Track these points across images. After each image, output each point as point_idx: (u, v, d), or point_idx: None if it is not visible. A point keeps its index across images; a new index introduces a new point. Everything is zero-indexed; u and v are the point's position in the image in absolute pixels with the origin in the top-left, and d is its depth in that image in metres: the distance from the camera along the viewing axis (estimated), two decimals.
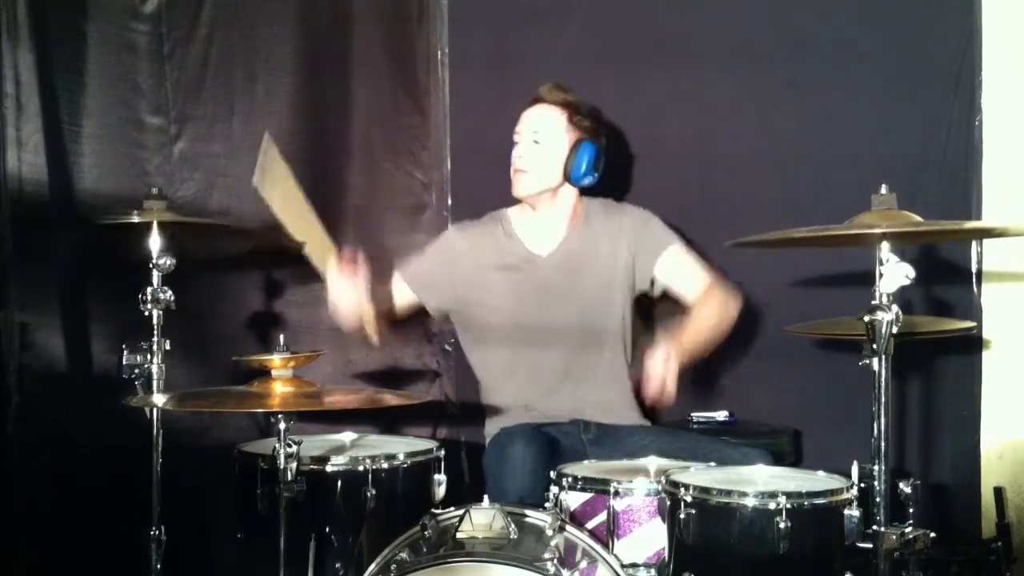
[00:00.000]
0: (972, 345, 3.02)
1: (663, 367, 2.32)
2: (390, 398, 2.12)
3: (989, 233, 2.26)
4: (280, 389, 1.98)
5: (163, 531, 2.20)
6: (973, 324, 2.74)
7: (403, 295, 2.73)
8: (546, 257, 2.73)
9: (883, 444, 1.83)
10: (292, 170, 2.97)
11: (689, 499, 1.99)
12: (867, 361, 1.85)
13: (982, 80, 3.02)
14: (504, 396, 2.72)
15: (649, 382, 2.33)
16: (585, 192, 2.75)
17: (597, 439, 2.62)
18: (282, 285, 2.98)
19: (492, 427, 2.73)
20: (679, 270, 2.69)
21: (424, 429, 3.03)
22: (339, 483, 2.19)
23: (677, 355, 2.34)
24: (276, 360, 2.00)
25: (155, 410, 2.19)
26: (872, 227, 1.83)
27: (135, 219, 2.22)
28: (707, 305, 2.59)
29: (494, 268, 2.71)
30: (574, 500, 2.17)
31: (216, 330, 2.87)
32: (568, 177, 2.66)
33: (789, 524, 1.90)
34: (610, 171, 2.76)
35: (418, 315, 3.15)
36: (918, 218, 1.90)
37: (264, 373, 2.02)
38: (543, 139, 2.66)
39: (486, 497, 1.97)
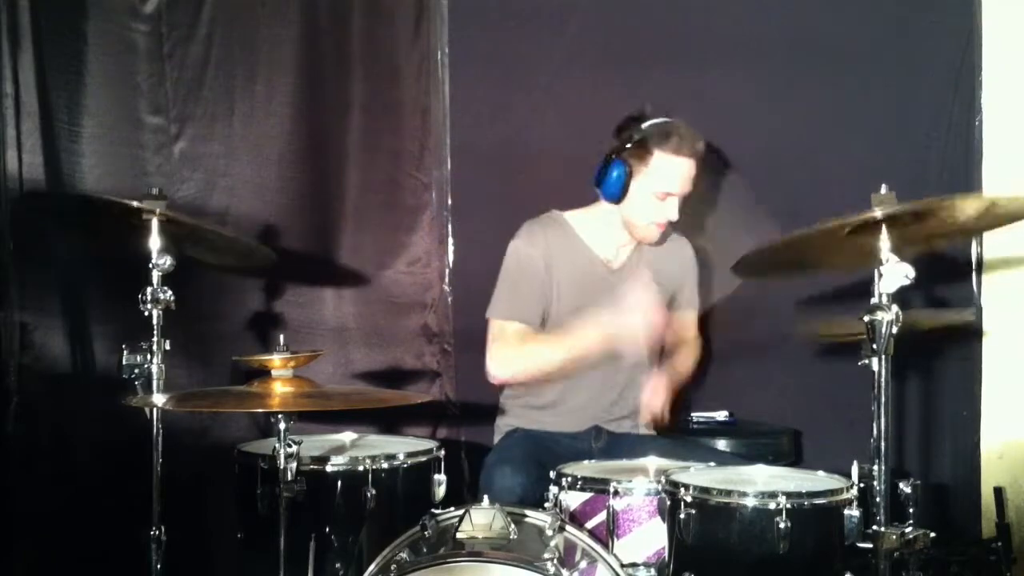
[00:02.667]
0: (972, 345, 3.02)
1: (659, 398, 2.62)
2: (390, 398, 2.12)
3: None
4: (280, 389, 1.97)
5: (163, 531, 2.19)
6: (971, 317, 2.74)
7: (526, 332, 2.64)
8: (617, 269, 2.72)
9: (883, 444, 1.83)
10: (292, 170, 3.01)
11: (689, 499, 1.99)
12: (866, 361, 1.85)
13: (982, 80, 3.03)
14: (527, 398, 2.72)
15: (649, 409, 2.62)
16: None
17: (607, 448, 2.63)
18: (282, 285, 2.98)
19: (502, 423, 2.74)
20: (681, 326, 2.82)
21: (424, 429, 3.03)
22: (339, 483, 2.19)
23: (666, 386, 2.65)
24: (276, 360, 2.00)
25: (155, 410, 2.19)
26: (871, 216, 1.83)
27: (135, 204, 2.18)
28: (686, 356, 2.81)
29: (567, 271, 2.66)
30: (574, 500, 2.18)
31: (216, 330, 2.86)
32: None
33: (789, 524, 1.90)
34: None
35: (420, 313, 3.18)
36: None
37: (264, 373, 2.02)
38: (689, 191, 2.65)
39: (486, 497, 1.97)
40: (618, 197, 2.61)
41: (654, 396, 2.63)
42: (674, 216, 2.61)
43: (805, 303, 2.90)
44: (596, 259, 2.70)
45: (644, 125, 2.58)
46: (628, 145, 2.58)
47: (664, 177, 2.58)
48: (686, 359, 2.80)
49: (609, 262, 2.71)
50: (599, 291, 2.63)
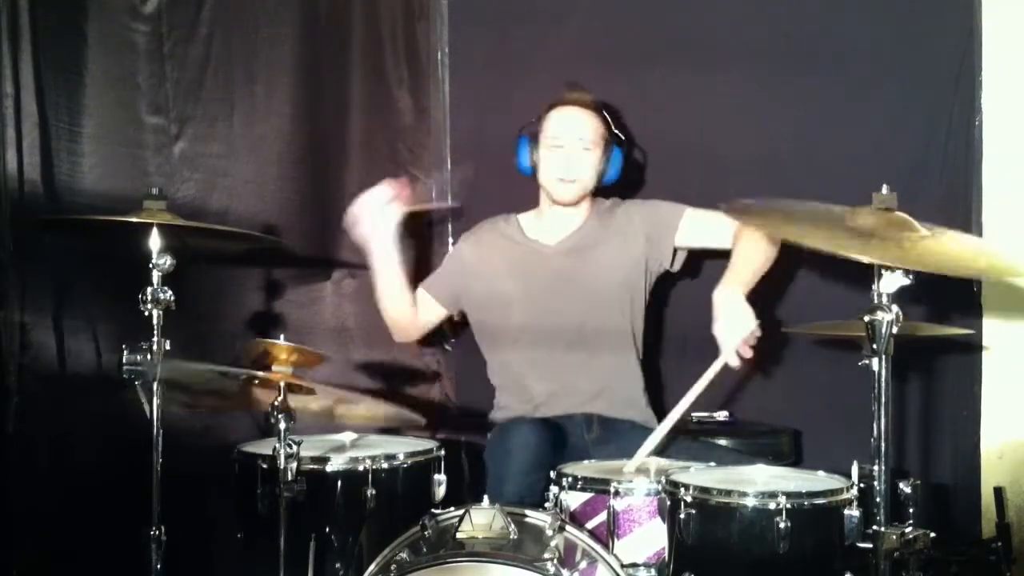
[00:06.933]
0: (972, 345, 3.01)
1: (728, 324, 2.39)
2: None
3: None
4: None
5: (163, 531, 2.19)
6: (971, 331, 2.75)
7: (426, 306, 2.83)
8: (554, 246, 2.77)
9: (883, 444, 1.83)
10: (292, 170, 3.01)
11: (689, 499, 1.99)
12: (867, 361, 1.85)
13: (982, 80, 3.02)
14: (515, 394, 2.73)
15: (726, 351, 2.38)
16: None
17: (601, 438, 2.63)
18: (282, 285, 2.98)
19: (495, 416, 2.76)
20: (703, 225, 2.74)
21: (424, 429, 3.03)
22: (339, 483, 2.19)
23: (741, 294, 2.44)
24: (281, 345, 1.99)
25: (155, 410, 2.18)
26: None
27: (134, 219, 2.21)
28: (746, 239, 2.60)
29: (504, 267, 2.74)
30: (574, 500, 2.18)
31: (216, 330, 2.86)
32: (600, 180, 2.76)
33: (789, 524, 1.90)
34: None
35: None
36: (921, 229, 1.90)
37: (264, 369, 2.02)
38: (591, 145, 2.71)
39: (486, 497, 1.97)
40: (532, 171, 2.76)
41: (723, 327, 2.39)
42: (572, 162, 2.69)
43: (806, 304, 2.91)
44: (535, 243, 2.80)
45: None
46: (532, 121, 2.76)
47: (557, 128, 2.72)
48: (748, 243, 2.57)
49: (547, 243, 2.80)
50: (539, 269, 2.75)
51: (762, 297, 2.92)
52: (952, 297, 2.96)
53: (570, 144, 2.70)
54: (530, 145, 2.75)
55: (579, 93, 2.74)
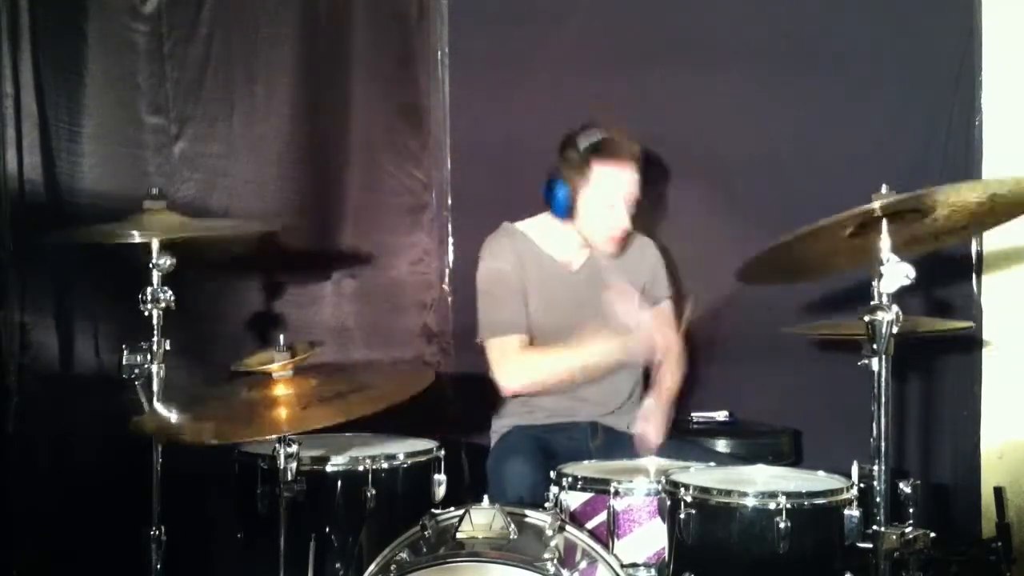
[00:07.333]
0: (972, 345, 3.02)
1: (652, 427, 2.54)
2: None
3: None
4: (282, 391, 1.95)
5: (163, 531, 2.19)
6: (971, 324, 2.74)
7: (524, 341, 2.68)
8: (576, 271, 2.75)
9: (883, 444, 1.83)
10: (292, 170, 3.01)
11: (689, 499, 1.99)
12: (866, 361, 1.85)
13: (982, 80, 3.03)
14: (523, 403, 2.72)
15: (646, 442, 2.52)
16: None
17: (604, 447, 2.63)
18: (282, 285, 2.98)
19: (499, 425, 2.74)
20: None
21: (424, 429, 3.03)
22: (339, 483, 2.19)
23: (660, 413, 2.58)
24: (275, 365, 1.98)
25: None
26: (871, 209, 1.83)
27: (136, 239, 2.20)
28: (672, 371, 2.69)
29: (533, 278, 2.70)
30: (574, 500, 2.18)
31: (216, 330, 2.86)
32: None
33: (789, 524, 1.90)
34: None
35: (419, 313, 3.18)
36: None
37: (264, 375, 2.02)
38: (636, 198, 2.68)
39: (486, 497, 1.97)
40: (568, 215, 2.67)
41: (648, 428, 2.55)
42: (625, 223, 2.65)
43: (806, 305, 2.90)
44: (555, 263, 2.74)
45: (579, 141, 2.63)
46: (567, 163, 2.64)
47: (607, 187, 2.63)
48: (672, 374, 2.70)
49: (568, 265, 2.75)
50: (562, 294, 2.70)
51: (764, 295, 2.94)
52: (953, 298, 2.97)
53: (621, 203, 2.63)
54: (570, 192, 2.64)
55: (630, 147, 2.64)
